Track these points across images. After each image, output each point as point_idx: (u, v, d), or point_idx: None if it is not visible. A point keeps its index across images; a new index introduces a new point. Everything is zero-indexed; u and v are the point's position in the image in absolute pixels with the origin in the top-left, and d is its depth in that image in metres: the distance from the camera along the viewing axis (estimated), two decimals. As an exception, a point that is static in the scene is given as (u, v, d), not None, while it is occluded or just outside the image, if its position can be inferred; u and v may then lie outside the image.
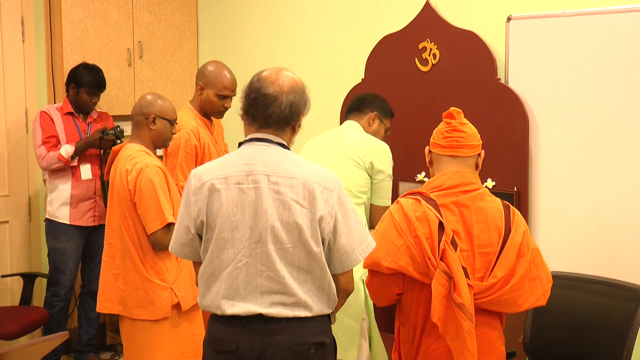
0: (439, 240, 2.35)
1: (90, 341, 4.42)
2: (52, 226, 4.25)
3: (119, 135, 4.16)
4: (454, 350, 2.33)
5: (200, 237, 2.28)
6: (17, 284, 4.51)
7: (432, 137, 2.57)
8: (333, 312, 2.34)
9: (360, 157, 3.24)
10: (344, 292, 2.33)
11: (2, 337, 3.92)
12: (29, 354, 2.94)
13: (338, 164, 3.19)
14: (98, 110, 4.46)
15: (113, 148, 3.31)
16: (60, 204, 4.22)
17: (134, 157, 3.10)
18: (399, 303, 2.53)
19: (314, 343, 2.23)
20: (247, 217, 2.20)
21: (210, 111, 3.70)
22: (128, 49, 4.81)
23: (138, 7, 4.84)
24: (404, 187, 3.90)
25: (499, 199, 2.50)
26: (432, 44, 3.76)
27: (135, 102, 3.29)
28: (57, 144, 4.21)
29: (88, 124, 4.35)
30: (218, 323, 2.28)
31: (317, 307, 2.24)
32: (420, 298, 2.42)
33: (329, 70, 4.39)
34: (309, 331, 2.23)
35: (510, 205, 2.50)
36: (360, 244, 2.26)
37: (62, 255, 4.24)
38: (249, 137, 2.28)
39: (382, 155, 3.28)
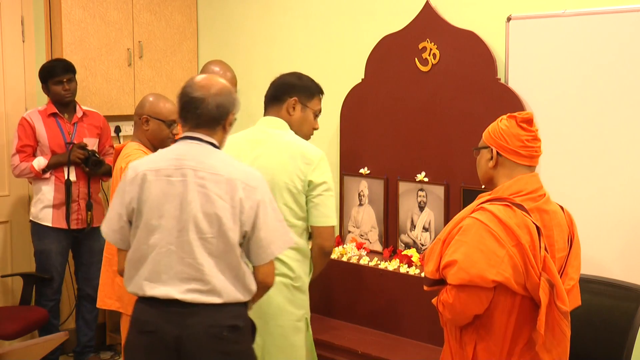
0: (540, 248, 2.29)
1: (89, 342, 4.42)
2: (36, 228, 4.25)
3: (90, 155, 4.15)
4: None
5: (131, 224, 2.46)
6: (17, 284, 4.51)
7: (499, 137, 2.42)
8: (250, 300, 2.49)
9: (299, 177, 2.82)
10: (262, 284, 2.49)
11: (2, 337, 3.92)
12: (29, 354, 2.94)
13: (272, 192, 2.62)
14: (86, 108, 4.39)
15: (115, 147, 3.37)
16: (43, 206, 4.21)
17: (130, 155, 3.19)
18: (474, 321, 2.39)
19: (228, 326, 2.39)
20: (173, 206, 2.37)
21: None
22: (128, 49, 4.81)
23: (138, 7, 4.84)
24: (403, 187, 3.90)
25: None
26: (432, 44, 3.76)
27: None
28: (32, 154, 4.19)
29: (73, 124, 4.29)
30: (142, 305, 2.44)
31: (232, 295, 2.39)
32: (513, 311, 2.34)
33: (329, 70, 4.39)
34: (223, 315, 2.39)
35: (563, 206, 2.49)
36: (278, 239, 2.46)
37: (47, 257, 4.24)
38: (182, 135, 2.48)
39: (321, 167, 2.84)
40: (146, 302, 2.42)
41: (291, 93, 2.98)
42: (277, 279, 2.80)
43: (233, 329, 2.41)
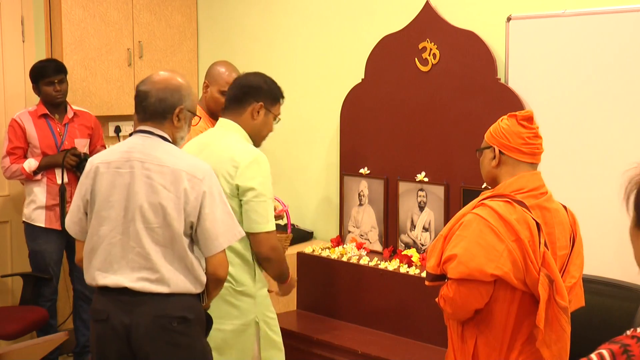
0: (539, 243, 2.31)
1: (87, 342, 4.40)
2: (30, 229, 4.24)
3: (83, 158, 4.13)
4: (552, 357, 2.31)
5: (87, 216, 2.55)
6: (17, 284, 4.51)
7: (500, 136, 2.45)
8: (203, 292, 2.52)
9: (227, 180, 2.77)
10: (212, 276, 2.51)
11: (2, 337, 3.92)
12: (28, 354, 2.95)
13: None
14: (77, 108, 4.36)
15: None
16: (36, 207, 4.20)
17: None
18: (475, 316, 2.40)
19: (177, 317, 2.44)
20: (121, 197, 2.45)
21: (215, 109, 3.69)
22: (128, 49, 4.81)
23: (138, 7, 4.85)
24: (403, 187, 3.90)
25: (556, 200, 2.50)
26: (432, 44, 3.76)
27: None
28: (23, 156, 4.17)
29: (64, 125, 4.26)
30: (97, 294, 2.52)
31: (181, 286, 2.44)
32: (513, 306, 2.35)
33: (329, 70, 4.39)
34: (172, 306, 2.44)
35: (566, 205, 2.51)
36: (226, 232, 2.48)
37: (42, 257, 4.23)
38: (136, 129, 2.58)
39: (249, 172, 2.76)
40: (100, 292, 2.49)
41: (257, 97, 2.89)
42: None
43: (182, 321, 2.44)
